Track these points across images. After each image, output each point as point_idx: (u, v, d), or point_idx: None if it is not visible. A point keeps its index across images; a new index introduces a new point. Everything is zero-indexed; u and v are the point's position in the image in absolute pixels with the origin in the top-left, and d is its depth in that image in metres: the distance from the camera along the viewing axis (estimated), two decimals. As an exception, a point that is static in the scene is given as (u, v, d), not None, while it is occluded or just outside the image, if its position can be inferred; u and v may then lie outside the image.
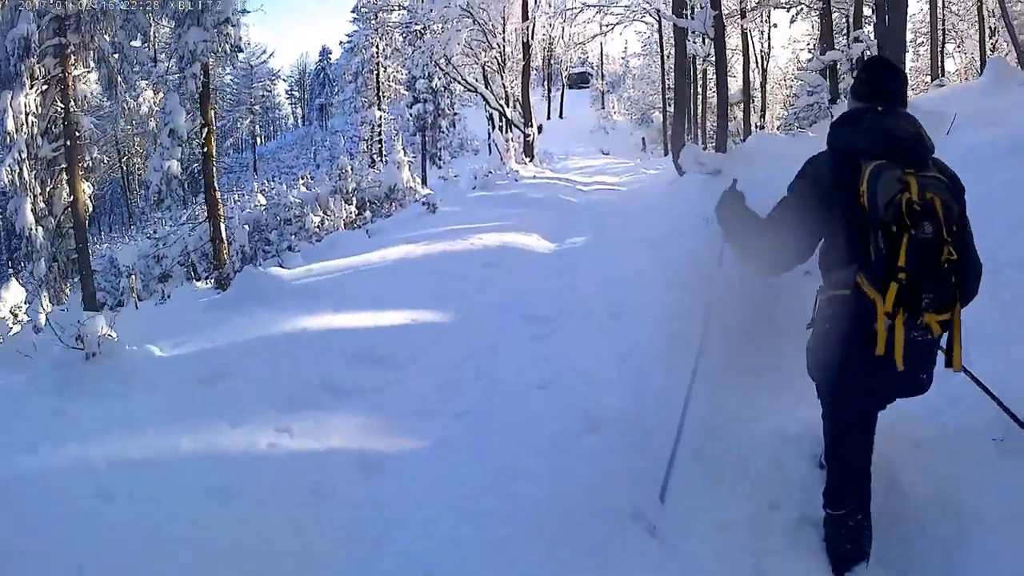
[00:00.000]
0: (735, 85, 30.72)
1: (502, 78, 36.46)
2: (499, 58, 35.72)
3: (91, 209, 17.92)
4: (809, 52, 38.10)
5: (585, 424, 4.89)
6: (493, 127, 41.10)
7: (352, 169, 23.41)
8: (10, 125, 16.21)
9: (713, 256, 4.72)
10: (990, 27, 26.30)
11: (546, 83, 73.05)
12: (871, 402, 3.47)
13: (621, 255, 9.97)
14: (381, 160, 41.82)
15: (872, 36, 20.07)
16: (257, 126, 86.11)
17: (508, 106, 35.04)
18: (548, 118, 65.52)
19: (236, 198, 42.56)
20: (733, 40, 30.06)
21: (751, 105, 32.22)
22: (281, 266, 12.65)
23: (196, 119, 18.23)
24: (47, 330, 5.80)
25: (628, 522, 3.84)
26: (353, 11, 50.91)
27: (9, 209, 17.31)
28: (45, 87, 17.15)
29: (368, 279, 8.89)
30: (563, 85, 74.01)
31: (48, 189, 17.47)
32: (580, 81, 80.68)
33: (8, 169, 16.34)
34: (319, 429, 4.90)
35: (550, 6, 35.29)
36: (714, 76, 40.54)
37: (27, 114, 16.63)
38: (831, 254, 3.35)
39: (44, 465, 4.04)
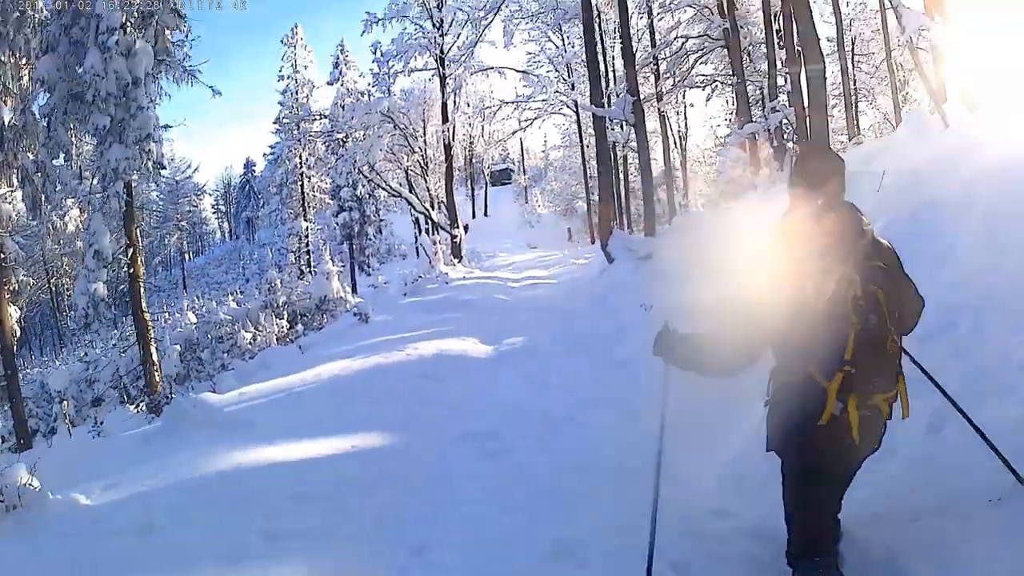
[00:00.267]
0: (657, 167, 31.31)
1: (426, 181, 36.79)
2: (422, 161, 36.08)
3: (18, 334, 17.21)
4: (728, 127, 39.07)
5: (552, 551, 4.55)
6: (420, 231, 41.35)
7: (281, 282, 23.20)
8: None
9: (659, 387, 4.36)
10: (900, 79, 27.19)
11: (469, 182, 73.88)
12: (839, 471, 3.46)
13: (562, 358, 9.90)
14: (310, 271, 41.58)
15: (788, 103, 20.57)
16: (185, 242, 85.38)
17: (433, 208, 35.31)
18: (473, 217, 66.21)
19: (167, 317, 41.89)
20: (651, 123, 30.80)
21: (673, 184, 32.80)
22: (214, 390, 12.28)
23: (121, 239, 17.81)
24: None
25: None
26: (275, 122, 51.11)
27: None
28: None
29: (304, 403, 8.52)
30: (486, 183, 74.98)
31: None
32: (502, 178, 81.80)
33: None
34: (263, 584, 4.48)
35: (468, 106, 35.85)
36: (635, 160, 41.85)
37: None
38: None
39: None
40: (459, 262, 28.69)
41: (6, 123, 16.09)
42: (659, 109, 29.41)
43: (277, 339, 19.22)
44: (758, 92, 27.23)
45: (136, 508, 5.26)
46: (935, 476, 4.14)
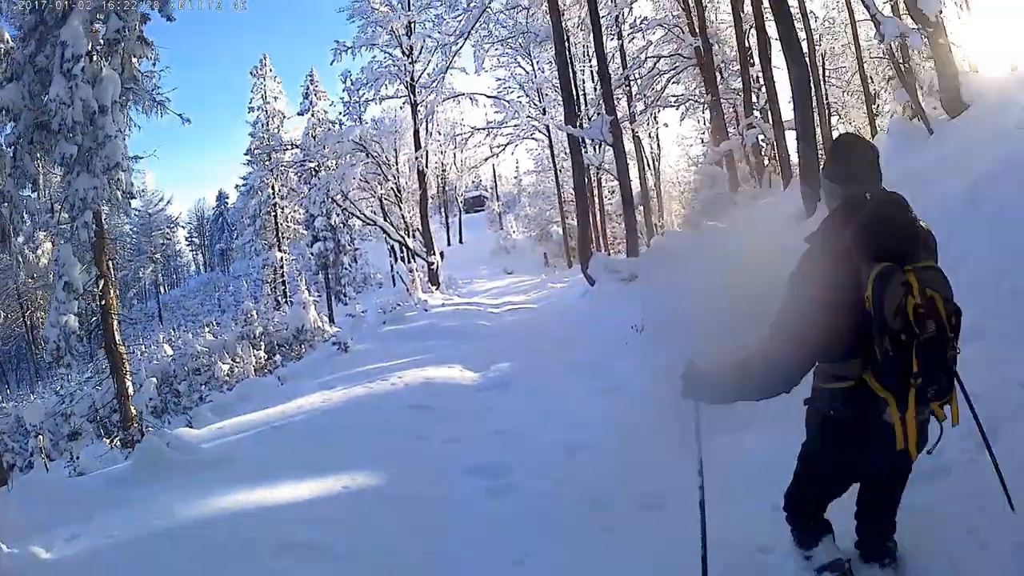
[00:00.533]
0: (632, 189, 31.25)
1: (400, 209, 36.62)
2: (395, 189, 35.94)
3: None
4: (702, 145, 39.17)
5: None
6: (396, 259, 41.08)
7: (257, 313, 22.84)
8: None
9: (690, 436, 4.02)
10: (873, 91, 27.23)
11: (443, 210, 73.83)
12: (862, 475, 3.50)
13: (555, 382, 9.54)
14: (286, 301, 41.16)
15: (764, 119, 20.47)
16: (160, 275, 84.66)
17: (409, 236, 35.08)
18: (448, 244, 66.09)
19: (143, 349, 41.34)
20: (625, 144, 30.67)
21: (649, 206, 32.73)
22: (190, 425, 11.86)
23: (92, 270, 17.34)
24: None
25: None
26: (246, 153, 50.70)
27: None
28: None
29: (286, 438, 7.77)
30: (460, 210, 74.87)
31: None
32: (476, 205, 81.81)
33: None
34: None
35: (440, 133, 35.72)
36: (608, 183, 41.88)
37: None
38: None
39: None
40: (437, 289, 28.55)
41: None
42: (632, 130, 29.31)
43: (255, 370, 18.88)
44: (732, 111, 27.19)
45: (99, 567, 4.63)
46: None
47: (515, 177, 78.48)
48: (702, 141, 40.78)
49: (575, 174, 20.39)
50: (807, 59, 15.96)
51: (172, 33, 38.50)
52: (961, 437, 3.54)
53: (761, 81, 23.23)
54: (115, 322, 17.79)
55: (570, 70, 25.42)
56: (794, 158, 21.61)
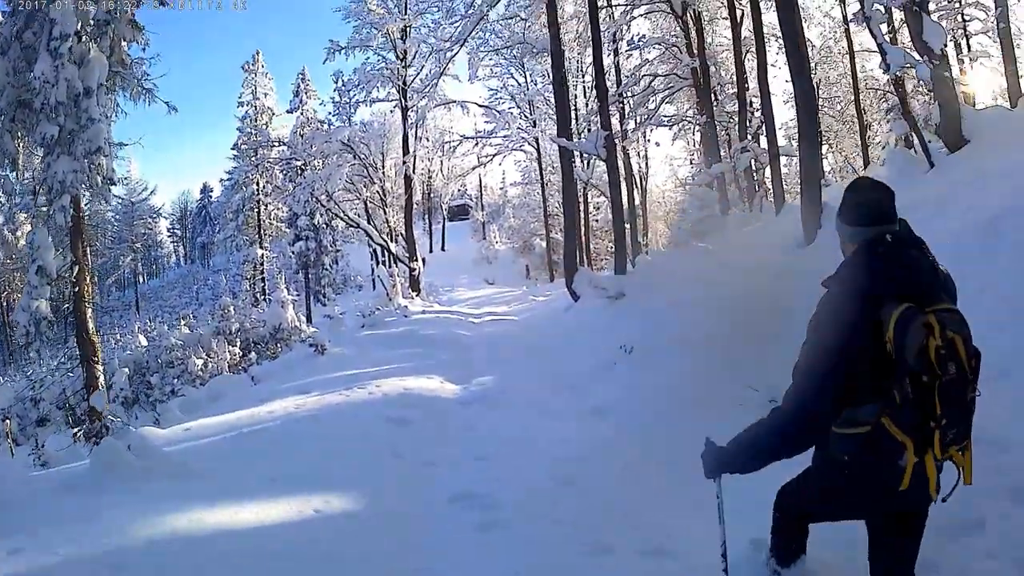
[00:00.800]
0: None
1: (384, 212, 36.36)
2: (380, 193, 35.68)
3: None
4: (692, 165, 39.18)
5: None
6: (377, 262, 40.74)
7: (235, 309, 22.54)
8: None
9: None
10: (866, 122, 27.31)
11: (427, 217, 73.62)
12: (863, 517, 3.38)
13: (540, 403, 9.23)
14: (264, 299, 40.82)
15: (760, 145, 20.38)
16: (139, 264, 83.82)
17: (392, 240, 34.78)
18: (431, 251, 65.85)
19: (118, 338, 40.92)
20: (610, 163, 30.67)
21: (635, 224, 32.67)
22: (157, 422, 11.53)
23: (68, 256, 16.90)
24: None
25: None
26: (233, 147, 50.48)
27: None
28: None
29: (256, 447, 7.20)
30: (443, 218, 74.68)
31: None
32: (460, 213, 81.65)
33: None
34: None
35: (429, 140, 35.52)
36: (594, 200, 41.81)
37: None
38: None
39: None
40: (417, 295, 28.41)
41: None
42: (623, 147, 29.21)
43: (229, 367, 18.58)
44: (724, 133, 27.14)
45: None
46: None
47: (501, 188, 78.61)
48: (691, 162, 40.79)
49: (565, 187, 20.19)
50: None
51: (165, 21, 38.15)
52: (992, 491, 3.27)
53: (756, 104, 23.23)
54: (88, 310, 17.29)
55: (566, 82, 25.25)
56: (787, 184, 21.61)
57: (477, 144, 37.03)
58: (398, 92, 30.85)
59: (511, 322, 19.95)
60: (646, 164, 43.28)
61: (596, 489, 5.88)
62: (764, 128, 18.84)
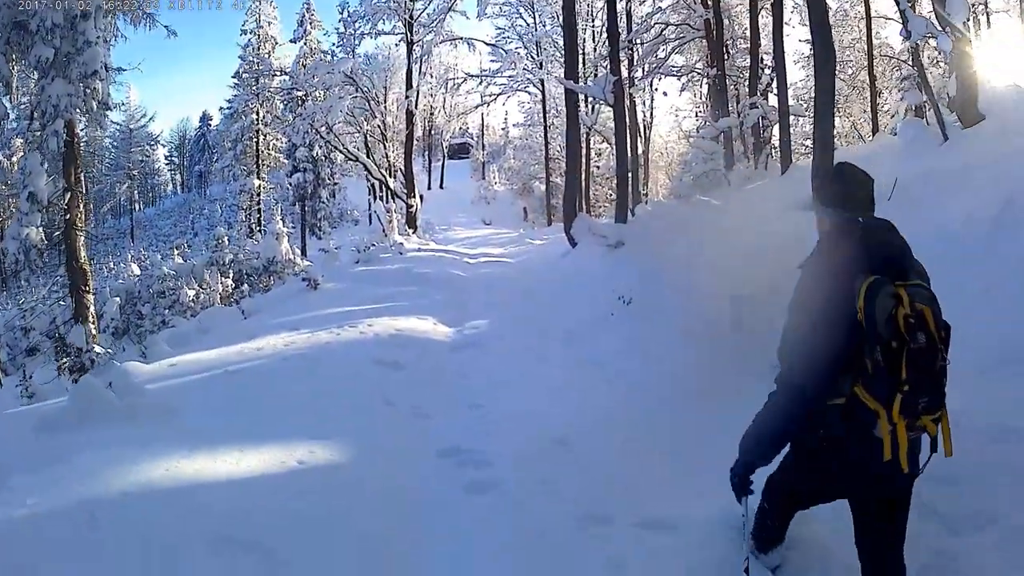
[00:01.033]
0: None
1: (384, 147, 36.08)
2: (381, 127, 35.33)
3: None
4: (698, 118, 38.82)
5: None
6: (375, 197, 40.45)
7: (229, 240, 22.47)
8: None
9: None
10: (877, 89, 26.99)
11: (427, 154, 73.11)
12: (847, 496, 3.45)
13: (535, 351, 9.12)
14: (260, 230, 40.57)
15: (769, 102, 20.12)
16: (136, 192, 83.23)
17: (390, 176, 34.51)
18: (429, 188, 65.46)
19: (111, 266, 40.77)
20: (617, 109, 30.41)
21: (637, 173, 32.46)
22: (144, 355, 11.41)
23: (60, 182, 16.61)
24: None
25: None
26: (234, 76, 49.97)
27: None
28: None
29: (241, 387, 6.96)
30: (444, 156, 74.16)
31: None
32: (461, 152, 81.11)
33: None
34: None
35: (433, 76, 35.04)
36: (596, 146, 41.40)
37: None
38: None
39: None
40: (414, 233, 28.28)
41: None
42: (630, 95, 28.87)
43: (221, 299, 18.51)
44: (734, 88, 26.82)
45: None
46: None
47: (503, 128, 78.05)
48: (697, 115, 40.36)
49: (569, 130, 19.88)
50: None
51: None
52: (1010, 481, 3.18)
53: (767, 61, 22.89)
54: (80, 238, 17.04)
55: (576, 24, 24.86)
56: (795, 143, 21.39)
57: (481, 82, 36.71)
58: (404, 26, 30.29)
59: (506, 265, 19.78)
60: (651, 114, 42.90)
61: (591, 453, 5.71)
62: (775, 85, 18.55)
